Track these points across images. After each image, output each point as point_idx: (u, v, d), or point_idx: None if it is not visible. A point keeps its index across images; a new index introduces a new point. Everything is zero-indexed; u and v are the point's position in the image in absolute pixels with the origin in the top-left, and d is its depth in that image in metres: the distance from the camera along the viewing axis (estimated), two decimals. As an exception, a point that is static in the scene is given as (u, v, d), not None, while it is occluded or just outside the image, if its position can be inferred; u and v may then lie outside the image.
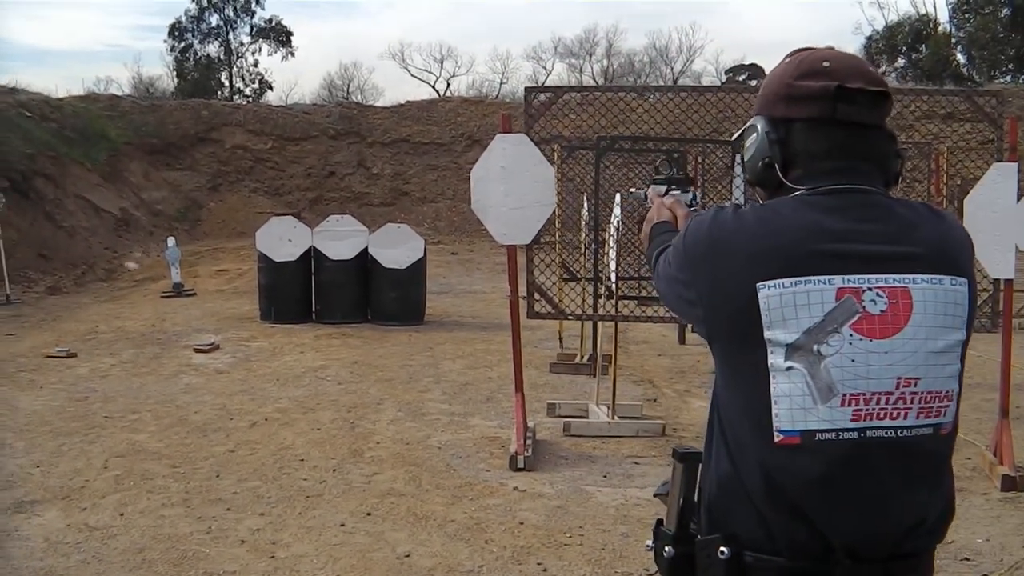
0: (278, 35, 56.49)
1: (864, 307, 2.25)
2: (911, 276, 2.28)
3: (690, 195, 3.20)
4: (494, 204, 8.84)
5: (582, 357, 12.67)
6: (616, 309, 10.27)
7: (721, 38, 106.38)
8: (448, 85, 63.15)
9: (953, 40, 50.00)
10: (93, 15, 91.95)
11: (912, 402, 2.25)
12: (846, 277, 2.26)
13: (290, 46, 56.80)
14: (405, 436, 9.51)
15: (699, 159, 16.60)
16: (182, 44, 55.08)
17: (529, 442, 8.73)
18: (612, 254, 9.92)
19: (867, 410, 2.23)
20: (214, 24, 55.53)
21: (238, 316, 17.20)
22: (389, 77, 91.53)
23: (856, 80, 2.37)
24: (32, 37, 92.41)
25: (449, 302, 19.16)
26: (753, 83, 54.57)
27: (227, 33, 55.72)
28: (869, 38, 54.05)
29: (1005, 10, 45.72)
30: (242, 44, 56.17)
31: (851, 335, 2.24)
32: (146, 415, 10.29)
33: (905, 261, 2.29)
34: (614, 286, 10.14)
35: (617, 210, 10.08)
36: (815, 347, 2.24)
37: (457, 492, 7.87)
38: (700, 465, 2.47)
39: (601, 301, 11.38)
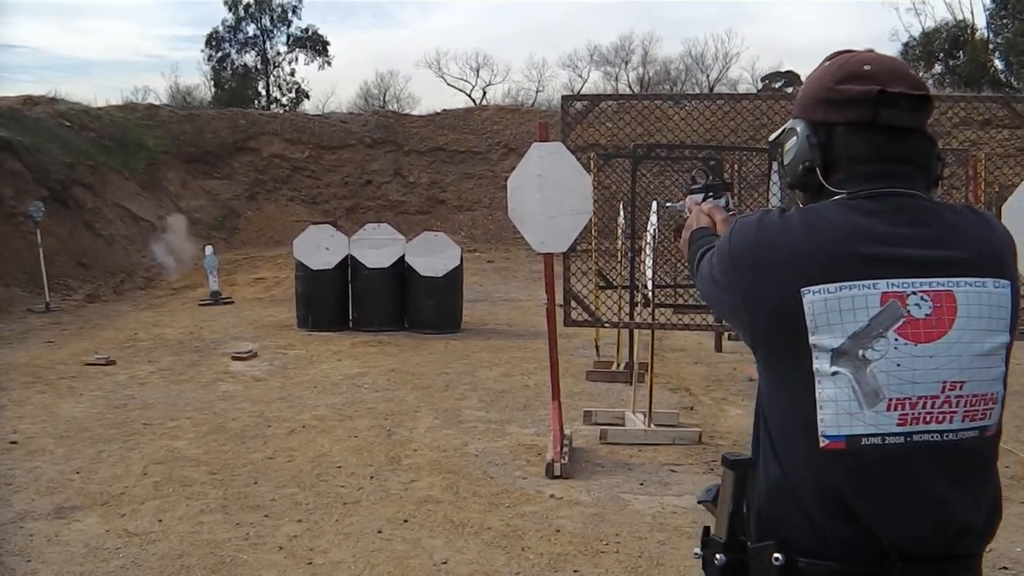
0: (314, 44, 56.83)
1: (909, 311, 2.25)
2: (955, 280, 2.27)
3: (724, 200, 3.19)
4: (531, 212, 8.85)
5: (618, 365, 12.66)
6: (652, 317, 10.26)
7: (757, 45, 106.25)
8: (484, 94, 63.32)
9: (991, 46, 49.79)
10: (131, 26, 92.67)
11: (958, 405, 2.25)
12: (890, 281, 2.26)
13: (326, 55, 57.17)
14: (442, 443, 9.52)
15: (735, 167, 16.56)
16: (219, 54, 55.55)
17: (566, 450, 8.73)
18: (648, 262, 9.91)
19: (913, 414, 2.23)
20: (251, 34, 56.03)
21: (275, 324, 17.27)
22: (425, 86, 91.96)
23: (898, 84, 2.36)
24: (72, 48, 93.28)
25: (485, 310, 19.17)
26: (789, 90, 54.42)
27: (264, 43, 56.11)
28: (906, 44, 53.90)
29: (1044, 16, 45.46)
30: (279, 53, 56.59)
31: (896, 339, 2.24)
32: (184, 422, 10.35)
33: (948, 265, 2.29)
34: (650, 294, 10.13)
35: (653, 218, 10.07)
36: (860, 352, 2.24)
37: (494, 499, 7.87)
38: (750, 472, 2.45)
39: (637, 309, 11.36)
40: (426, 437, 9.76)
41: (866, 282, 2.26)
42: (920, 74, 45.81)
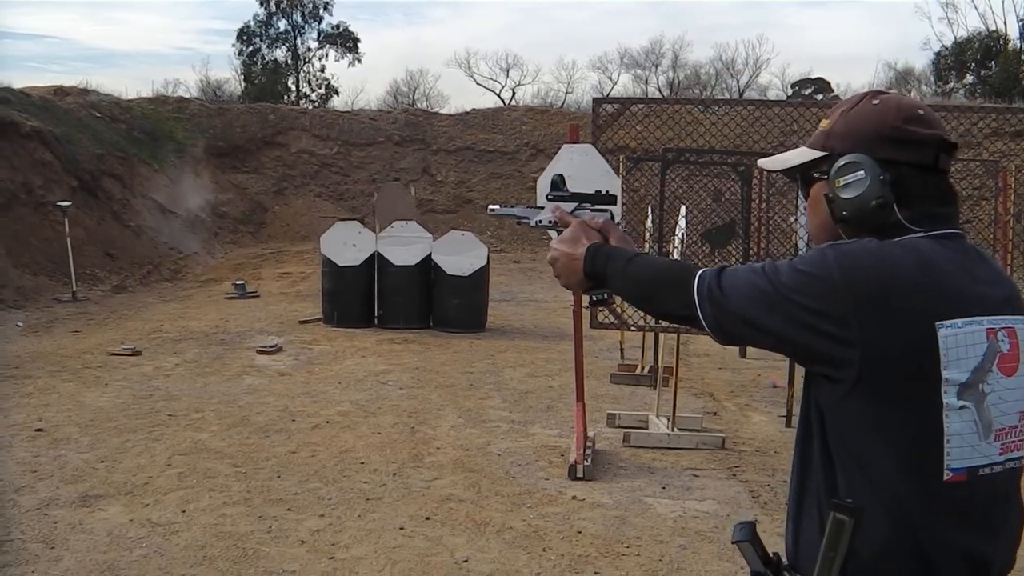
0: (345, 41, 56.96)
1: (1000, 346, 2.33)
2: (1017, 317, 2.38)
3: (609, 213, 3.00)
4: (559, 213, 8.83)
5: (643, 368, 12.65)
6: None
7: (788, 52, 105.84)
8: (513, 94, 63.36)
9: (1023, 57, 49.52)
10: (163, 19, 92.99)
11: (1023, 434, 2.36)
12: (988, 318, 2.33)
13: (357, 52, 57.31)
14: (465, 442, 9.54)
15: (764, 174, 16.53)
16: (250, 48, 55.76)
17: (588, 452, 8.74)
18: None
19: (1007, 443, 2.32)
20: (282, 29, 56.20)
21: (301, 319, 17.28)
22: (454, 85, 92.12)
23: (947, 132, 2.45)
24: (103, 40, 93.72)
25: (511, 310, 19.17)
26: (819, 97, 54.32)
27: (294, 38, 56.29)
28: (938, 54, 53.81)
29: (1077, 28, 45.26)
30: (309, 49, 56.77)
31: (997, 373, 2.32)
32: (209, 414, 10.39)
33: (1010, 303, 2.39)
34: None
35: (682, 222, 10.07)
36: (980, 386, 2.30)
37: (516, 499, 7.88)
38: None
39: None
40: (449, 435, 9.77)
41: (979, 318, 2.32)
42: (952, 84, 45.79)
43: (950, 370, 2.27)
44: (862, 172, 2.44)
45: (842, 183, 2.47)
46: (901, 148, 2.43)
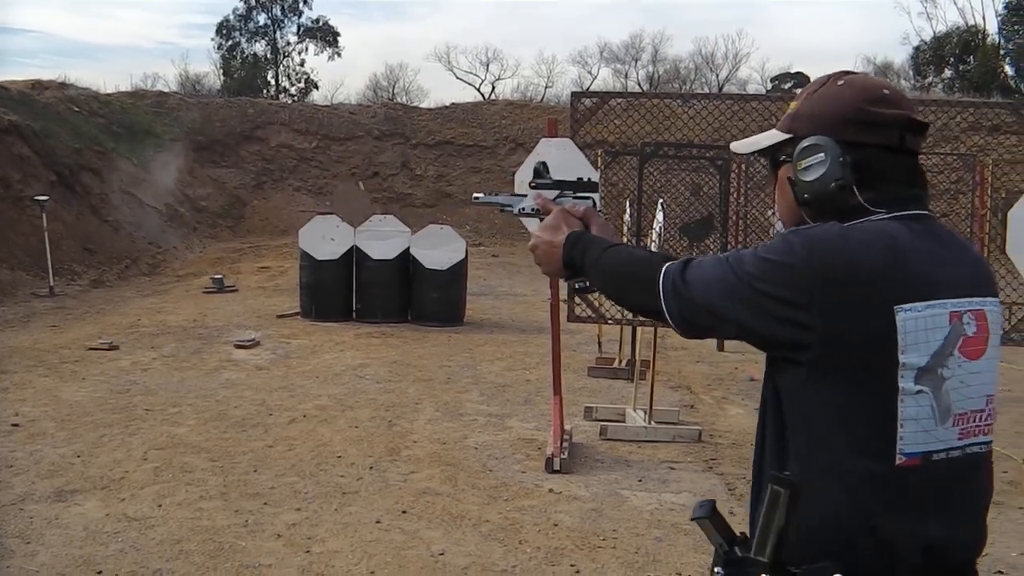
0: (325, 35, 56.88)
1: (964, 329, 2.32)
2: (985, 299, 2.38)
3: (591, 201, 2.98)
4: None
5: (620, 361, 12.68)
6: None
7: (767, 46, 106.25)
8: (493, 88, 63.25)
9: (1002, 52, 49.74)
10: (142, 13, 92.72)
11: (992, 418, 2.36)
12: (952, 301, 2.32)
13: (336, 46, 57.21)
14: (442, 436, 9.54)
15: (742, 167, 16.57)
16: (229, 42, 55.64)
17: (565, 445, 8.76)
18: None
19: (968, 428, 2.31)
20: (261, 23, 56.10)
21: (279, 313, 17.26)
22: (434, 79, 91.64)
23: (915, 112, 2.44)
24: (82, 33, 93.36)
25: (489, 304, 19.18)
26: (798, 91, 54.30)
27: (274, 32, 56.20)
28: (917, 48, 53.99)
29: (1056, 23, 45.45)
30: (289, 43, 56.67)
31: (959, 357, 2.31)
32: (186, 409, 10.37)
33: (978, 284, 2.39)
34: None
35: (660, 216, 10.09)
36: (939, 370, 2.29)
37: (493, 492, 7.90)
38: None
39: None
40: (426, 429, 9.78)
41: (942, 301, 2.31)
42: (930, 79, 45.98)
43: (908, 354, 2.27)
44: (822, 154, 2.44)
45: (803, 166, 2.48)
46: (865, 130, 2.44)
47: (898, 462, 2.27)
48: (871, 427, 2.29)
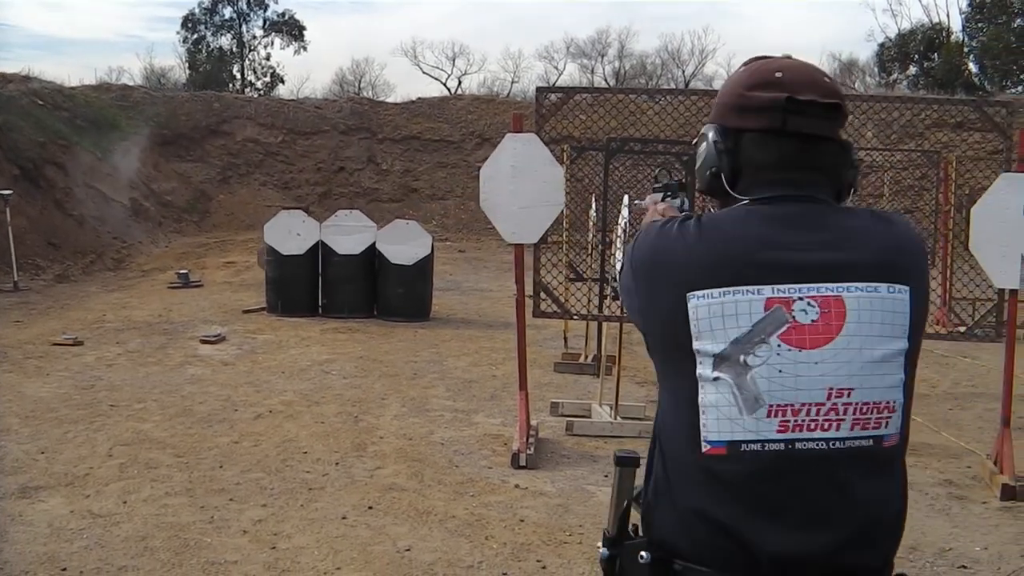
0: (291, 29, 56.65)
1: (794, 317, 2.24)
2: (845, 285, 2.26)
3: (679, 201, 3.10)
4: (503, 203, 8.87)
5: (586, 357, 12.70)
6: (621, 310, 10.30)
7: (733, 42, 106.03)
8: (459, 83, 63.25)
9: (966, 49, 50.00)
10: (108, 5, 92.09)
11: (845, 413, 2.22)
12: (776, 287, 2.25)
13: (302, 40, 56.98)
14: (408, 432, 9.54)
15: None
16: (195, 36, 55.33)
17: (531, 440, 8.77)
18: (619, 255, 9.95)
19: (795, 421, 2.21)
20: (227, 16, 55.79)
21: (244, 308, 17.20)
22: (401, 74, 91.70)
23: (808, 92, 2.37)
24: (49, 26, 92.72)
25: (455, 299, 19.18)
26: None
27: (240, 26, 55.92)
28: (882, 45, 54.21)
29: (1018, 20, 45.78)
30: (255, 37, 56.40)
31: (779, 345, 2.23)
32: (151, 404, 10.33)
33: (839, 270, 2.27)
34: (619, 286, 10.15)
35: (625, 211, 10.10)
36: (742, 357, 2.24)
37: (459, 488, 7.91)
38: (636, 470, 2.49)
39: (607, 302, 11.38)
40: (392, 425, 9.78)
41: (751, 287, 2.25)
42: (895, 75, 46.18)
43: (702, 341, 2.27)
44: (704, 143, 2.48)
45: (696, 154, 2.53)
46: (744, 115, 2.44)
47: (703, 449, 2.26)
48: (686, 412, 2.30)
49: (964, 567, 6.62)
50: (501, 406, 10.58)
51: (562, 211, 11.46)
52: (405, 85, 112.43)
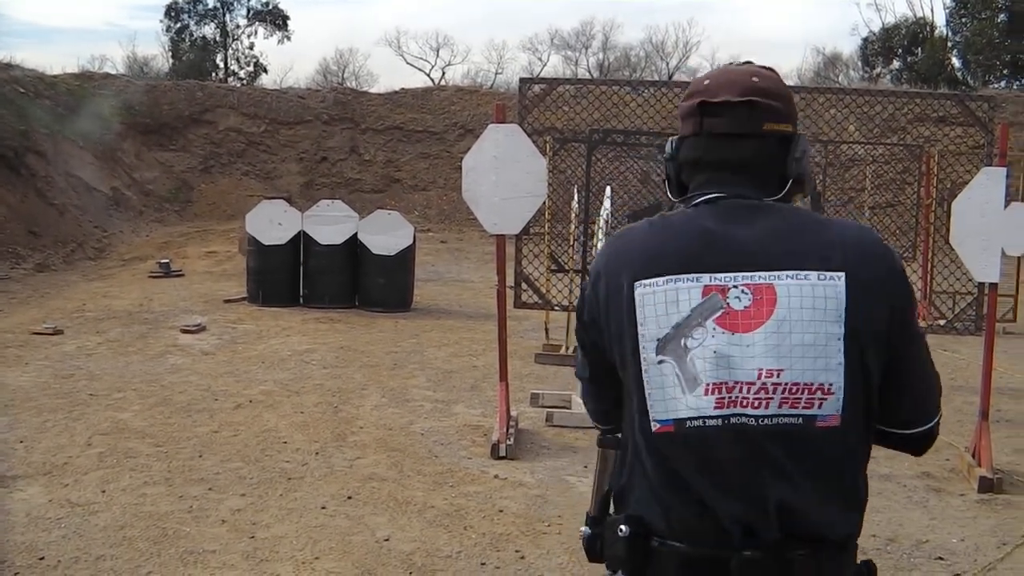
0: (274, 18, 56.38)
1: (728, 303, 2.38)
2: (776, 273, 2.39)
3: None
4: (485, 194, 8.88)
5: (567, 348, 12.68)
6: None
7: (718, 35, 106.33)
8: (443, 74, 63.17)
9: (949, 44, 50.12)
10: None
11: (774, 392, 2.34)
12: (713, 276, 2.40)
13: (286, 30, 56.69)
14: (388, 422, 9.55)
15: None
16: (178, 25, 55.02)
17: (511, 431, 8.78)
18: (600, 246, 9.96)
19: (730, 398, 2.35)
20: (211, 5, 55.46)
21: (225, 298, 17.16)
22: (384, 64, 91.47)
23: (724, 93, 2.53)
24: (35, 15, 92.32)
25: (437, 290, 19.16)
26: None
27: (223, 15, 55.63)
28: (866, 39, 54.29)
29: (1002, 16, 45.87)
30: (238, 26, 56.08)
31: (715, 329, 2.38)
32: (131, 394, 10.31)
33: (770, 259, 2.41)
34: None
35: (607, 203, 10.13)
36: (682, 341, 2.39)
37: (438, 478, 7.92)
38: (616, 452, 2.62)
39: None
40: (372, 415, 9.78)
41: (691, 275, 2.42)
42: (878, 69, 46.20)
43: (647, 326, 2.43)
44: (662, 153, 2.66)
45: None
46: (682, 123, 2.63)
47: (654, 428, 2.42)
48: (636, 395, 2.47)
49: (941, 559, 6.66)
50: (481, 397, 10.59)
51: (544, 202, 11.48)
52: (389, 75, 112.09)
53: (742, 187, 2.53)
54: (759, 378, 2.35)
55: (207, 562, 6.19)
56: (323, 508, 7.14)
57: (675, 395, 2.39)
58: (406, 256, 16.49)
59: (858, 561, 2.49)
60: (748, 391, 2.35)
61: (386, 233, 16.29)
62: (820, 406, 2.35)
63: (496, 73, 64.72)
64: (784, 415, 2.34)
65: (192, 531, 6.64)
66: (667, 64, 65.53)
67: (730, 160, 2.54)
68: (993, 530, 7.27)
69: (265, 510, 7.07)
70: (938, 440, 2.61)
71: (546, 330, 13.57)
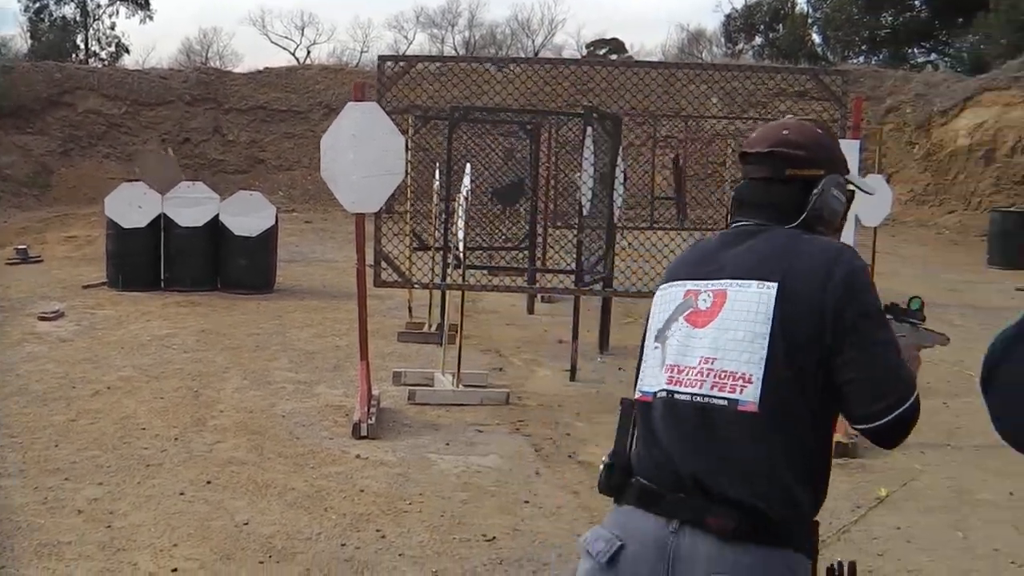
0: (136, -2, 55.42)
1: (697, 304, 2.96)
2: (730, 282, 2.92)
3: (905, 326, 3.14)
4: (343, 172, 8.85)
5: (430, 326, 12.68)
6: (463, 278, 10.33)
7: (584, 12, 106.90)
8: (308, 53, 62.83)
9: (809, 20, 51.03)
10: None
11: (708, 376, 2.85)
12: (694, 282, 3.01)
13: (148, 9, 55.78)
14: (249, 404, 9.46)
15: (552, 131, 16.72)
16: (37, 4, 53.77)
17: (373, 410, 8.76)
18: (460, 223, 9.97)
19: (677, 377, 2.91)
20: (71, -16, 54.32)
21: (85, 284, 16.82)
22: (249, 43, 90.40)
23: (756, 146, 3.09)
24: None
25: (301, 271, 18.98)
26: (614, 57, 54.99)
27: (83, -6, 54.53)
28: (728, 16, 55.01)
29: (861, -9, 46.73)
30: (99, 6, 54.99)
31: (683, 324, 2.97)
32: (-15, 384, 10.08)
33: (729, 271, 2.95)
34: (461, 255, 10.18)
35: (467, 180, 10.13)
36: (667, 331, 3.01)
37: (299, 460, 7.88)
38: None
39: (450, 270, 11.40)
40: (233, 398, 9.69)
41: (682, 282, 3.05)
42: (740, 46, 46.91)
43: (653, 320, 3.11)
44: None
45: None
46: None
47: (636, 396, 3.07)
48: (638, 372, 3.15)
49: (842, 531, 6.80)
50: (344, 376, 10.53)
51: (407, 180, 11.47)
52: (254, 55, 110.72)
53: (761, 218, 3.05)
54: (699, 363, 2.87)
55: (62, 554, 6.08)
56: (181, 494, 7.05)
57: (655, 374, 2.99)
58: (268, 237, 16.30)
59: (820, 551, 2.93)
60: (690, 373, 2.88)
61: (248, 214, 16.09)
62: (741, 392, 2.78)
63: (362, 52, 64.44)
64: (713, 396, 2.82)
65: (47, 523, 6.51)
66: (533, 41, 65.88)
67: (755, 198, 3.10)
68: (848, 494, 7.44)
69: (122, 498, 6.97)
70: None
71: (409, 309, 13.54)
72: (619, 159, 12.12)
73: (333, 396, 9.79)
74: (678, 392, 2.88)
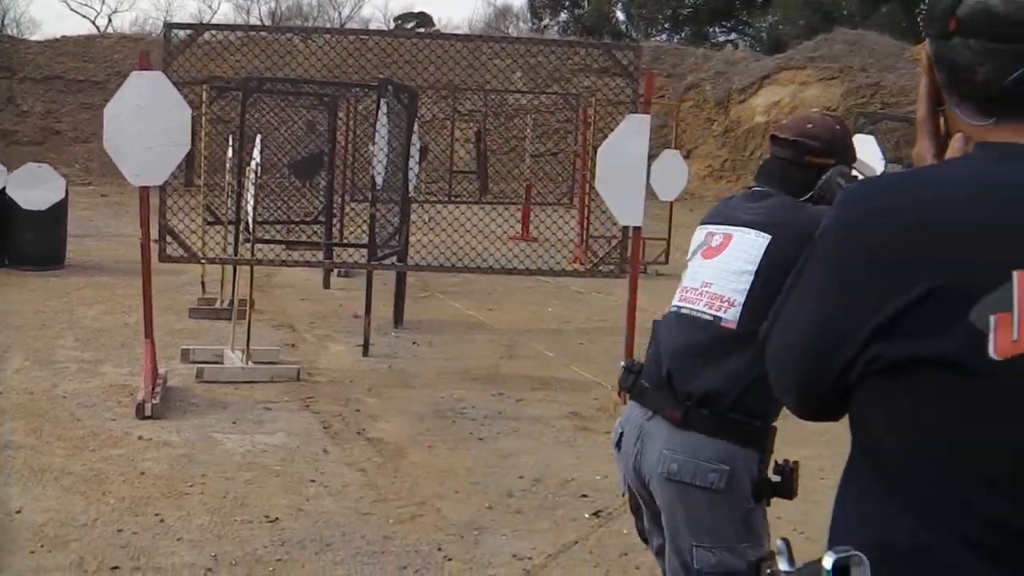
0: (-77, -39, 53.34)
1: (711, 243, 3.78)
2: (738, 228, 3.73)
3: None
4: (127, 143, 8.60)
5: (223, 302, 12.39)
6: (252, 252, 10.13)
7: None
8: (109, 21, 61.14)
9: (614, -1, 51.64)
10: None
11: (703, 296, 3.69)
12: (713, 226, 3.86)
13: (-63, -26, 53.72)
14: (30, 386, 9.08)
15: (352, 103, 16.60)
16: None
17: (158, 389, 8.50)
18: (249, 197, 9.77)
19: (684, 296, 3.78)
20: None
21: None
22: (47, 10, 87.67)
23: (784, 132, 3.88)
24: None
25: (93, 245, 18.39)
26: (421, 31, 54.96)
27: None
28: (535, -9, 55.31)
29: (663, -31, 47.49)
30: None
31: (699, 256, 3.81)
32: None
33: (739, 221, 3.76)
34: (251, 229, 9.98)
35: (256, 153, 9.93)
36: (691, 262, 3.85)
37: (79, 443, 7.59)
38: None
39: (241, 244, 11.16)
40: (13, 380, 9.29)
41: (706, 226, 3.89)
42: (546, 21, 47.25)
43: (689, 254, 3.92)
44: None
45: None
46: None
47: (668, 310, 3.85)
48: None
49: (585, 496, 6.86)
50: (131, 355, 10.17)
51: (200, 153, 11.21)
52: (53, 23, 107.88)
53: (768, 187, 3.85)
54: (701, 286, 3.71)
55: None
56: (-52, 483, 6.75)
57: (675, 294, 3.84)
58: (58, 211, 15.74)
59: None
60: (692, 293, 3.73)
61: (37, 187, 15.53)
62: (726, 311, 3.61)
63: (165, 21, 63.04)
64: (706, 313, 3.65)
65: None
66: (339, 14, 65.25)
67: (774, 172, 3.89)
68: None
69: None
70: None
71: (203, 284, 13.20)
72: (416, 133, 12.02)
73: (119, 376, 9.48)
74: (683, 308, 3.74)
